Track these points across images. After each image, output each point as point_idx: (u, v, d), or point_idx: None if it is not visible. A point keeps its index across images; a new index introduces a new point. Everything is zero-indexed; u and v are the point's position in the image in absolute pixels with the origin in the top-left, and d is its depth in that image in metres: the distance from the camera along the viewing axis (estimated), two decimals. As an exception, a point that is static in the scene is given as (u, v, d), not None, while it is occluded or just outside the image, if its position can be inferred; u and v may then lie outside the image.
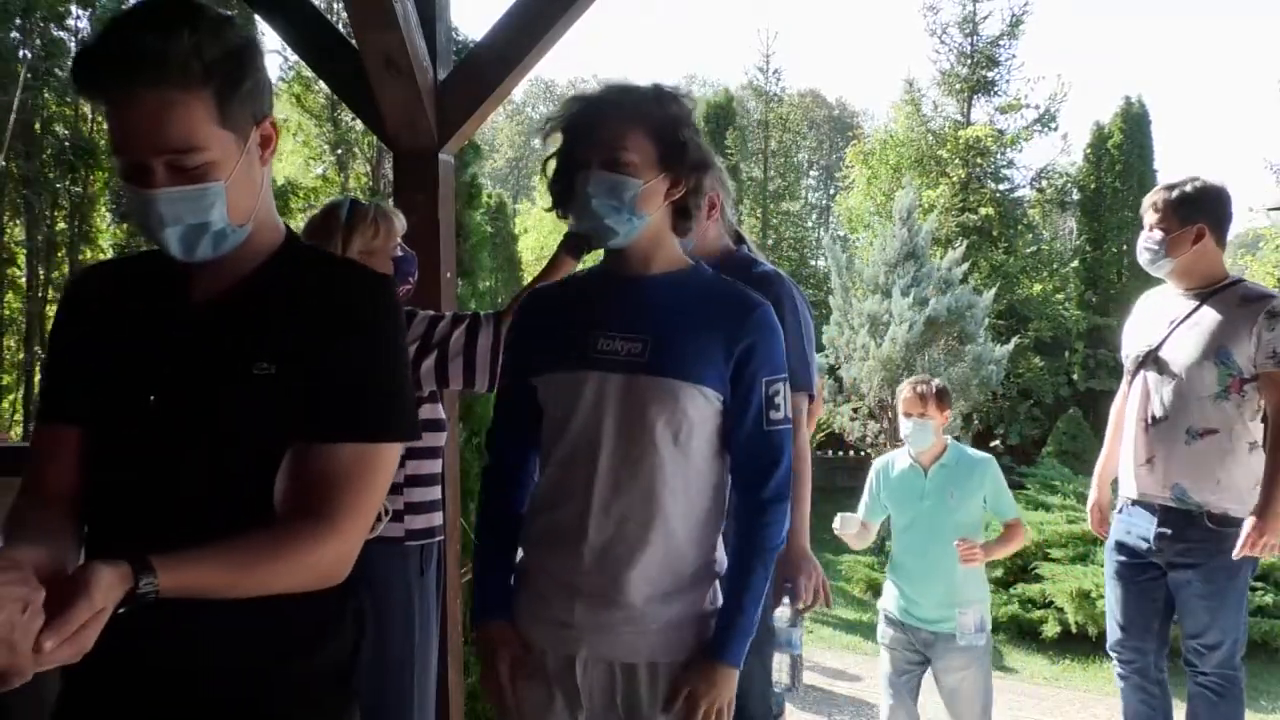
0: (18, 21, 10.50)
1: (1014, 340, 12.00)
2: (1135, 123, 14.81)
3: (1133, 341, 3.15)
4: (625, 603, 1.64)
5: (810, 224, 22.47)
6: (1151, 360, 3.01)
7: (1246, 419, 2.87)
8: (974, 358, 10.62)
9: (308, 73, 11.24)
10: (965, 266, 11.44)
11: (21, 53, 10.59)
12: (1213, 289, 2.95)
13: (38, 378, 11.11)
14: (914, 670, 3.43)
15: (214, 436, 1.21)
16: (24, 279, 11.23)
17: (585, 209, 1.64)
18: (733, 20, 70.55)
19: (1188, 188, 2.99)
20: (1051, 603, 6.36)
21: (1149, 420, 2.99)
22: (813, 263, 17.49)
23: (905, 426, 3.39)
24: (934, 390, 3.41)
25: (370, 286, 1.29)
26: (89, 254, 11.39)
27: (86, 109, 11.34)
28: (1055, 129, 15.13)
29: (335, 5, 10.38)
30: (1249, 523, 2.77)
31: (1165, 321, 3.02)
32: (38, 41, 10.83)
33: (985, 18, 15.10)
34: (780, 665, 2.32)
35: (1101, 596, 5.07)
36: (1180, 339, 2.95)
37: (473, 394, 3.36)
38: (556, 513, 1.69)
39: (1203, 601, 2.90)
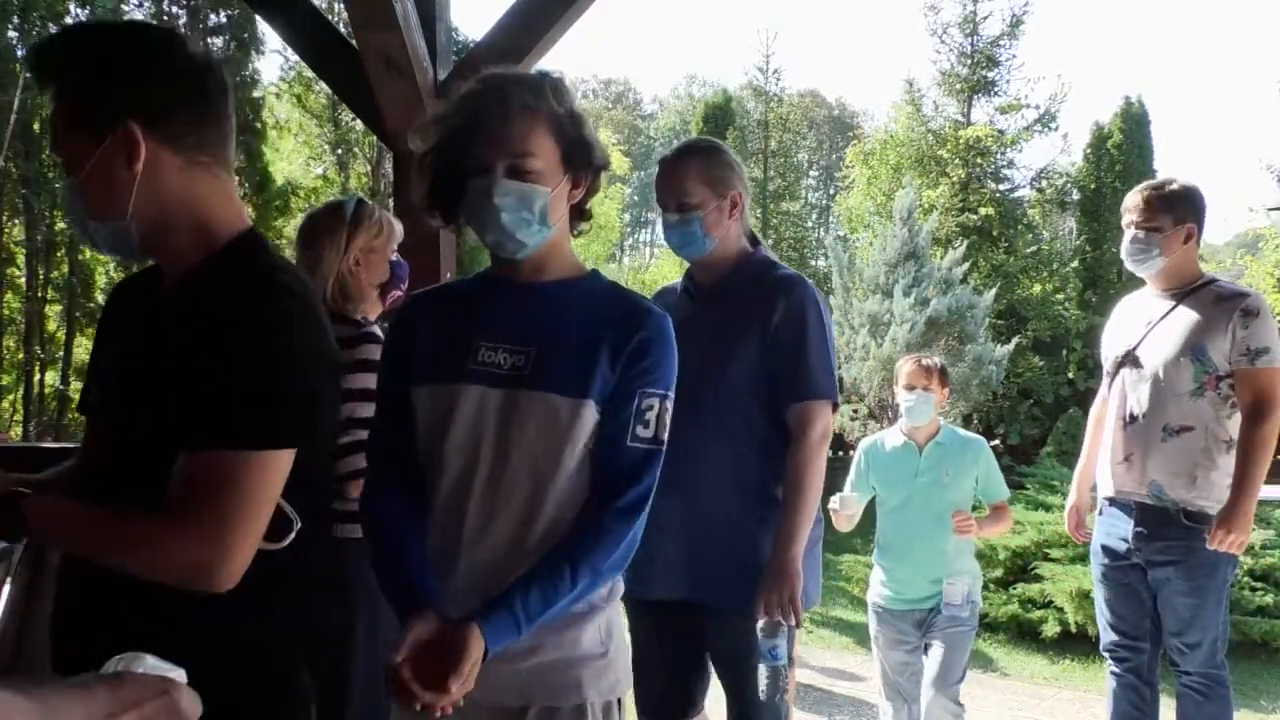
0: (15, 20, 10.49)
1: (1014, 340, 12.01)
2: (1135, 123, 14.82)
3: (1112, 344, 3.17)
4: None
5: (810, 224, 22.47)
6: (1130, 360, 3.04)
7: (1222, 416, 2.90)
8: (974, 358, 10.62)
9: (308, 73, 11.24)
10: (965, 266, 11.45)
11: (20, 52, 10.58)
12: (1188, 289, 2.99)
13: (37, 377, 11.12)
14: (912, 662, 3.43)
15: (117, 435, 1.31)
16: (23, 279, 11.23)
17: (493, 222, 1.48)
18: (733, 20, 70.50)
19: (1175, 187, 3.02)
20: (1051, 602, 6.35)
21: (1127, 419, 3.01)
22: (813, 263, 17.48)
23: (906, 399, 3.38)
24: (937, 365, 3.42)
25: (250, 293, 1.25)
26: (88, 254, 11.38)
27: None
28: (1055, 129, 15.15)
29: (335, 5, 10.38)
30: (1216, 519, 2.81)
31: (1143, 322, 3.05)
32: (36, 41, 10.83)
33: (986, 18, 15.11)
34: (762, 677, 2.22)
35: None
36: (1157, 338, 2.98)
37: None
38: (433, 537, 1.53)
39: (1183, 599, 2.92)
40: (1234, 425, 2.90)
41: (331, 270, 2.36)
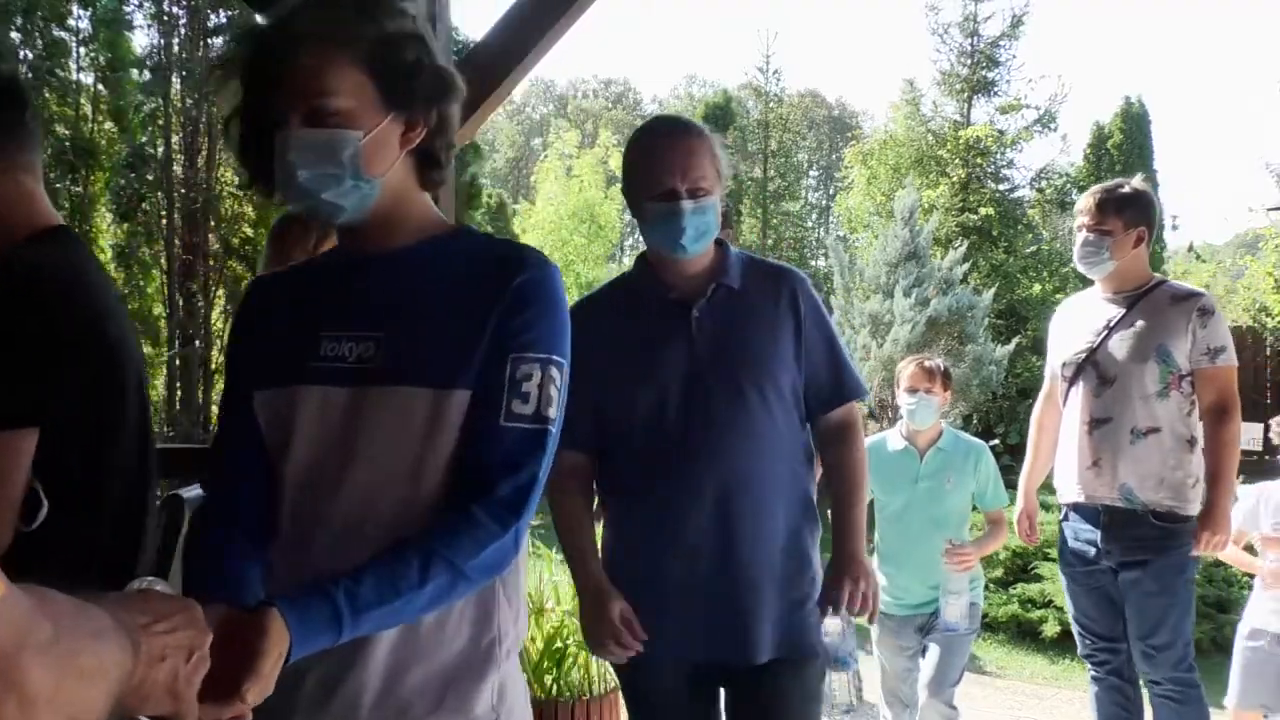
0: (19, 21, 10.49)
1: (1014, 340, 12.00)
2: (1135, 123, 14.83)
3: (1062, 347, 3.16)
4: (358, 693, 1.20)
5: (810, 224, 22.47)
6: (1090, 364, 3.03)
7: (1185, 416, 2.93)
8: (974, 358, 10.62)
9: (308, 73, 11.23)
10: (966, 267, 11.44)
11: (22, 53, 10.58)
12: (1140, 291, 3.00)
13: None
14: (913, 668, 3.43)
15: None
16: (24, 279, 11.22)
17: (291, 183, 1.20)
18: (733, 20, 70.51)
19: (1127, 189, 3.03)
20: (1051, 602, 6.35)
21: (1091, 423, 3.01)
22: (813, 263, 17.50)
23: (908, 403, 3.34)
24: (940, 368, 3.40)
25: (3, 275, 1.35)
26: (89, 254, 11.39)
27: (87, 109, 11.34)
28: (1055, 129, 15.14)
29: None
30: (1198, 522, 2.85)
31: (1098, 325, 3.05)
32: (39, 41, 10.82)
33: (987, 18, 15.11)
34: (839, 684, 2.19)
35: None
36: (1119, 341, 2.98)
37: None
38: (279, 575, 1.24)
39: (1153, 600, 2.93)
40: (1195, 424, 2.94)
41: None
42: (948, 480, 3.35)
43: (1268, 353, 12.06)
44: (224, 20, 11.81)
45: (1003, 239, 14.67)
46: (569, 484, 2.00)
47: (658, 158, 1.92)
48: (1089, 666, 3.17)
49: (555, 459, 1.28)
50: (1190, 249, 16.77)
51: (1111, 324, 3.02)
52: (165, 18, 11.91)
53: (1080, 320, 3.14)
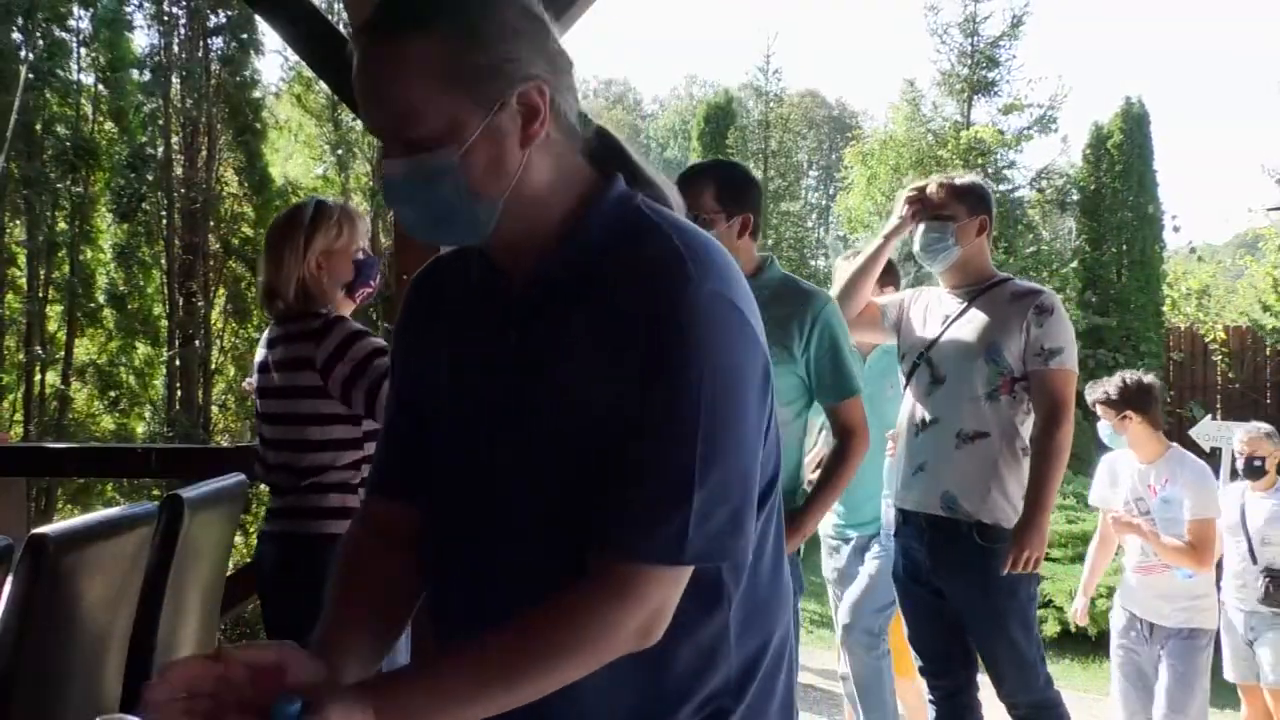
0: (20, 22, 10.50)
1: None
2: (1135, 123, 14.81)
3: (907, 341, 2.96)
4: None
5: (810, 224, 22.49)
6: (924, 361, 2.83)
7: (1017, 422, 2.70)
8: (974, 358, 10.62)
9: (308, 73, 11.24)
10: (965, 266, 11.46)
11: (23, 53, 10.59)
12: (982, 287, 2.83)
13: (38, 377, 11.13)
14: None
15: None
16: (24, 279, 11.23)
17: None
18: (733, 20, 70.58)
19: (965, 179, 2.91)
20: (1051, 602, 6.35)
21: (920, 425, 2.80)
22: (813, 263, 17.51)
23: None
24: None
25: None
26: (89, 254, 11.39)
27: (88, 109, 11.35)
28: (1055, 130, 15.14)
29: (335, 5, 10.38)
30: (1011, 538, 2.60)
31: (938, 320, 2.87)
32: (39, 42, 10.83)
33: (986, 18, 15.10)
34: None
35: (1103, 596, 5.07)
36: (951, 337, 2.79)
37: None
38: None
39: (985, 624, 2.73)
40: (1029, 431, 2.71)
41: (292, 275, 2.40)
42: (889, 386, 3.16)
43: (1268, 353, 12.05)
44: (224, 20, 11.81)
45: (1003, 239, 14.67)
46: None
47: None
48: (926, 692, 2.95)
49: None
50: (1191, 249, 16.75)
51: (949, 319, 2.82)
52: (165, 18, 11.91)
53: (924, 313, 2.95)
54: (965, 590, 2.70)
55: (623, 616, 0.96)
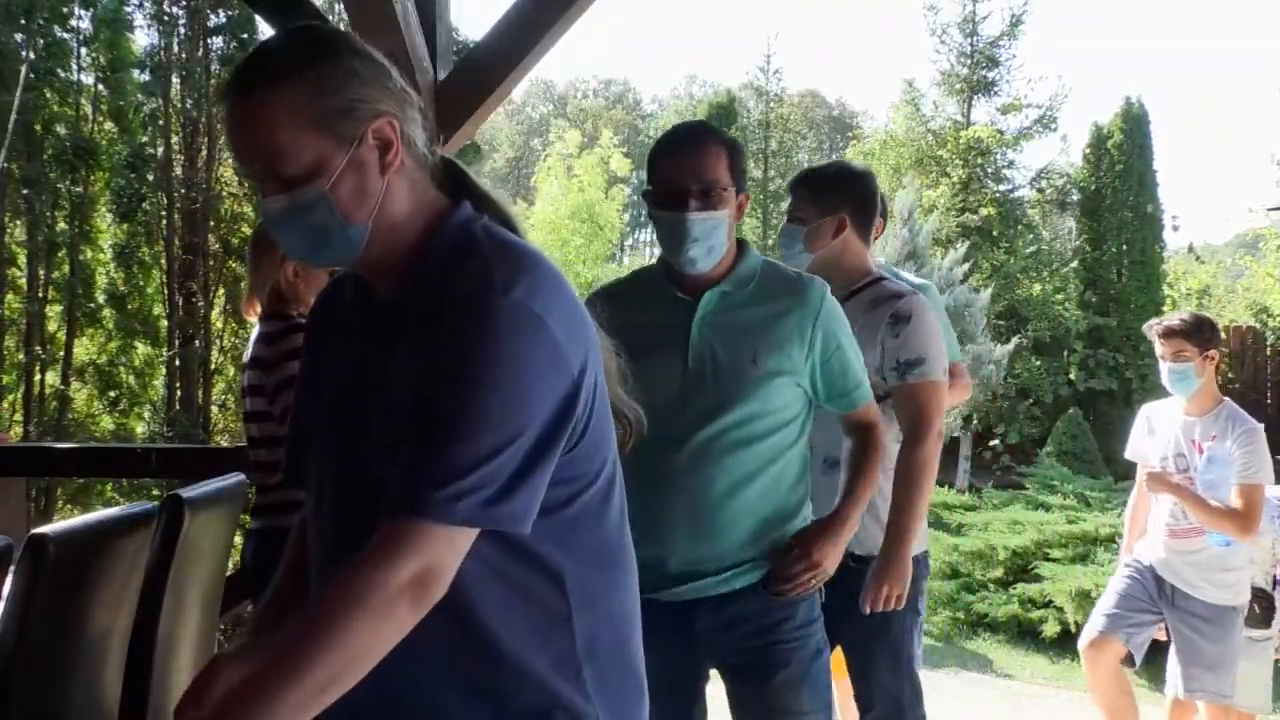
0: (22, 22, 10.51)
1: (1014, 340, 12.02)
2: (1135, 123, 14.82)
3: None
4: None
5: (810, 224, 22.50)
6: None
7: (888, 442, 2.31)
8: (974, 357, 10.63)
9: (308, 73, 11.26)
10: (966, 267, 11.47)
11: (24, 53, 10.60)
12: (852, 290, 2.42)
13: (38, 377, 11.14)
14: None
15: None
16: (24, 279, 11.24)
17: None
18: (733, 20, 70.57)
19: (830, 171, 2.56)
20: (1051, 602, 6.35)
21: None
22: (813, 263, 17.51)
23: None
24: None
25: None
26: (89, 254, 11.39)
27: (87, 109, 11.36)
28: (1055, 129, 15.16)
29: (335, 5, 10.39)
30: (870, 574, 2.24)
31: None
32: (39, 41, 10.84)
33: (985, 18, 15.13)
34: None
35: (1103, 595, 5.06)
36: None
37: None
38: None
39: (858, 657, 2.47)
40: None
41: (268, 280, 2.55)
42: None
43: (1268, 353, 12.06)
44: (224, 20, 11.83)
45: (1003, 239, 14.69)
46: None
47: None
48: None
49: None
50: (1190, 250, 16.79)
51: None
52: (165, 18, 11.92)
53: None
54: (844, 623, 2.34)
55: (388, 572, 1.03)
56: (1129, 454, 3.56)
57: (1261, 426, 3.30)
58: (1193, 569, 3.28)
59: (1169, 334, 3.26)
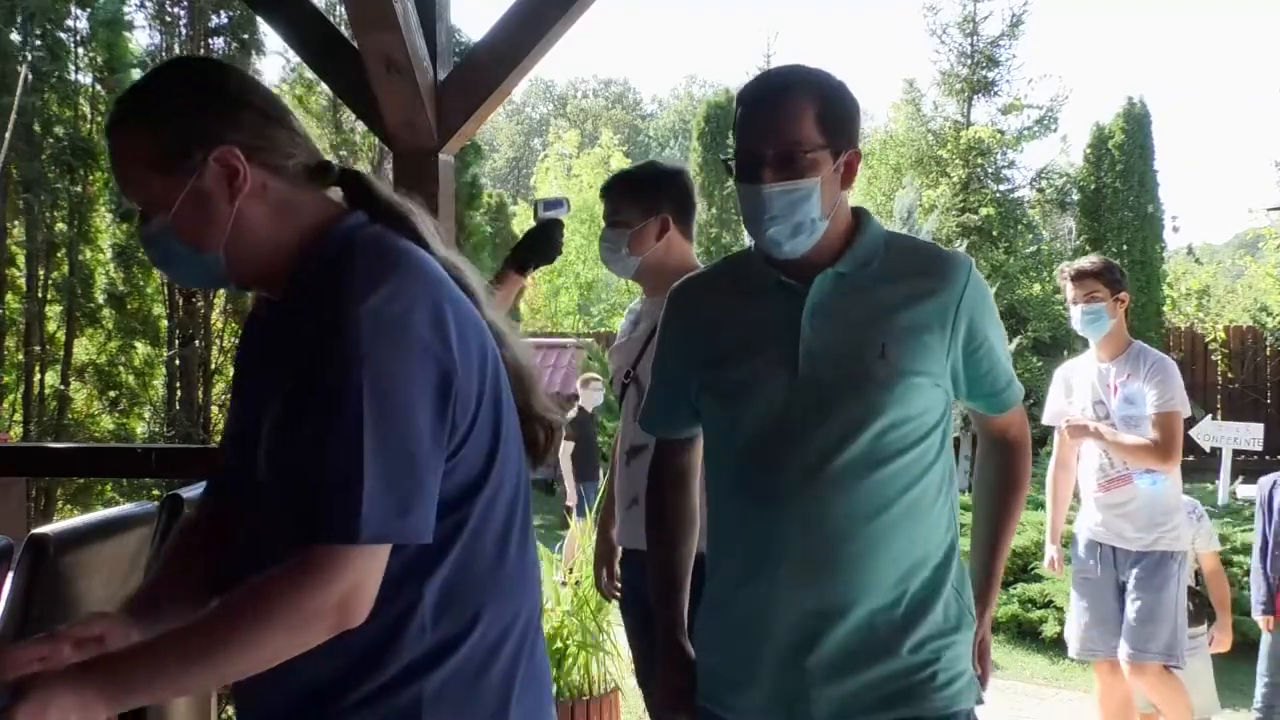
0: (19, 21, 10.51)
1: (1014, 340, 12.00)
2: (1136, 123, 14.82)
3: (614, 361, 2.65)
4: None
5: (810, 224, 22.50)
6: (632, 381, 2.45)
7: None
8: (974, 358, 10.63)
9: (309, 74, 11.25)
10: (965, 267, 11.46)
11: (23, 54, 10.60)
12: None
13: (37, 378, 11.12)
14: None
15: None
16: (23, 280, 11.25)
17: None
18: (733, 20, 70.55)
19: (644, 172, 2.56)
20: (1051, 602, 6.34)
21: (630, 451, 2.43)
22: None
23: None
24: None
25: None
26: (89, 254, 11.39)
27: (86, 109, 11.35)
28: (1055, 130, 15.15)
29: (335, 5, 10.38)
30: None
31: (643, 335, 2.46)
32: (39, 42, 10.84)
33: (986, 18, 15.11)
34: None
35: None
36: (648, 355, 2.29)
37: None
38: None
39: None
40: None
41: None
42: None
43: (1268, 353, 12.05)
44: (224, 21, 11.81)
45: (1003, 239, 14.67)
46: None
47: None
48: None
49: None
50: (1189, 251, 16.77)
51: (650, 334, 2.32)
52: (166, 18, 11.91)
53: (630, 328, 2.60)
54: None
55: (309, 596, 1.07)
56: (1046, 419, 3.57)
57: (1173, 360, 3.35)
58: (1126, 521, 3.30)
59: (1080, 275, 3.31)
